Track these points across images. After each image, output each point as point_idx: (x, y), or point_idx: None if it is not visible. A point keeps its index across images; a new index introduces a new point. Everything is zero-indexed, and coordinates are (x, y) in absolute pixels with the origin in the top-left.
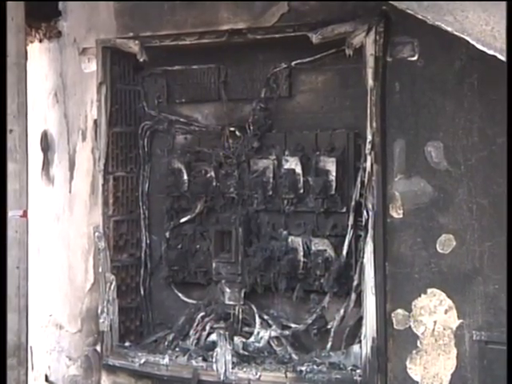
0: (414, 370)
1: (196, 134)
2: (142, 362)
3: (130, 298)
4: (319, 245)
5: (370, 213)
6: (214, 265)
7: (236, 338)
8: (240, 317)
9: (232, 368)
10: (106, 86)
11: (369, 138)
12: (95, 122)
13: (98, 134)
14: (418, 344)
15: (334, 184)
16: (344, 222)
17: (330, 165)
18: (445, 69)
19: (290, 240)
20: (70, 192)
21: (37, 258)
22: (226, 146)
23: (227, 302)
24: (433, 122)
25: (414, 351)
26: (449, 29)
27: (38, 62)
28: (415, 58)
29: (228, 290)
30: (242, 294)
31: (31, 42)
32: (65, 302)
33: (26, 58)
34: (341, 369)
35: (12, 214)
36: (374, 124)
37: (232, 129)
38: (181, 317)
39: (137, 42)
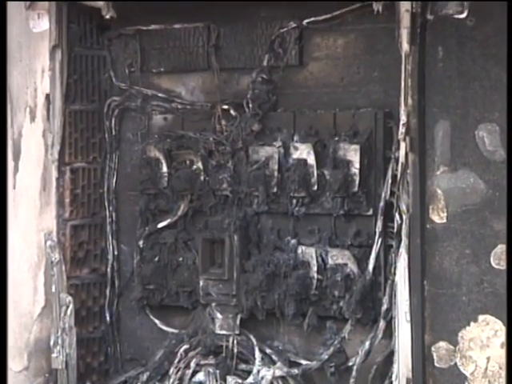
0: None
1: (179, 113)
2: None
3: (91, 326)
4: (338, 257)
5: (404, 216)
6: (201, 283)
7: (230, 379)
8: (235, 350)
9: None
10: (62, 50)
11: (403, 119)
12: (47, 97)
13: (51, 113)
14: None
15: (357, 179)
16: (370, 227)
17: (353, 154)
18: (502, 30)
19: (299, 251)
20: (14, 188)
21: None
22: (218, 128)
23: (218, 331)
24: (486, 98)
25: None
26: None
27: None
28: (464, 16)
29: (219, 315)
30: (238, 321)
31: None
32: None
33: None
34: None
35: None
36: (410, 101)
37: (225, 107)
38: (158, 350)
39: None
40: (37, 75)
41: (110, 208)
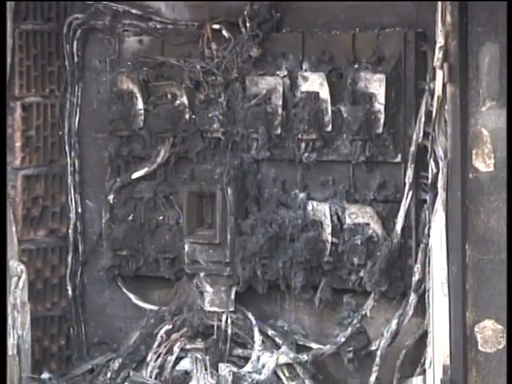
0: None
1: (158, 34)
2: None
3: (49, 302)
4: (358, 216)
5: (441, 164)
6: (186, 248)
7: (223, 367)
8: (229, 332)
9: None
10: None
11: (440, 41)
12: None
13: None
14: None
15: (381, 117)
16: (398, 178)
17: (377, 85)
18: None
19: (310, 208)
20: None
21: None
22: (207, 54)
23: (208, 308)
24: None
25: None
26: None
27: None
28: None
29: (209, 288)
30: (233, 296)
31: None
32: None
33: None
34: None
35: None
36: (449, 18)
37: (216, 26)
38: (133, 332)
39: None
40: None
41: (72, 154)
